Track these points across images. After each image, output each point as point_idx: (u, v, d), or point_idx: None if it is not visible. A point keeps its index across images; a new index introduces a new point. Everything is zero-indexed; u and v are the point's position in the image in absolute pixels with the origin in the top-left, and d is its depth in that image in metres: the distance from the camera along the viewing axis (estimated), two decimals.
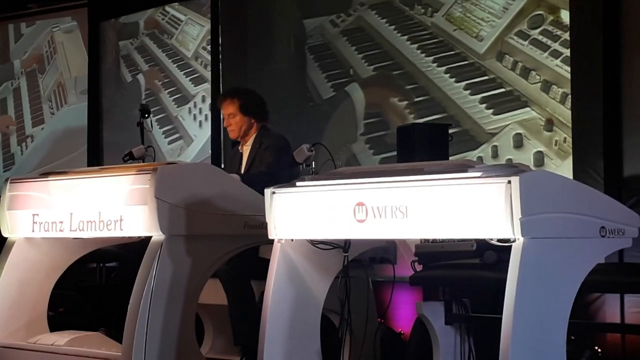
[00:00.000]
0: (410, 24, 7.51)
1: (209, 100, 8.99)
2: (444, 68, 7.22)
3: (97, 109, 10.08)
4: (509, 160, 6.67)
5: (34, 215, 4.83)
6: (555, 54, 6.52)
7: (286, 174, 5.33)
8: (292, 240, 4.02)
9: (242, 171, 5.72)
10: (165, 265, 4.34)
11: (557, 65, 6.52)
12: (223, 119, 5.91)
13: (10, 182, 5.00)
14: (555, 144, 6.50)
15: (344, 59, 7.94)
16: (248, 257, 5.02)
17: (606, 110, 6.19)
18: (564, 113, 6.44)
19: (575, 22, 6.42)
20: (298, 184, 3.97)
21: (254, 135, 5.79)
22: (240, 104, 5.75)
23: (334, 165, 5.36)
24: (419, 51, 7.41)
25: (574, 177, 6.06)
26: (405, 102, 7.45)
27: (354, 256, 4.18)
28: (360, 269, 4.83)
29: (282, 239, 4.01)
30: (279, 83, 8.37)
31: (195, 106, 9.23)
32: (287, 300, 4.05)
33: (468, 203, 3.43)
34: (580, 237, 3.53)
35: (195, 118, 9.22)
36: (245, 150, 5.82)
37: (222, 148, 8.68)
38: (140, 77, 9.77)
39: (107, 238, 4.78)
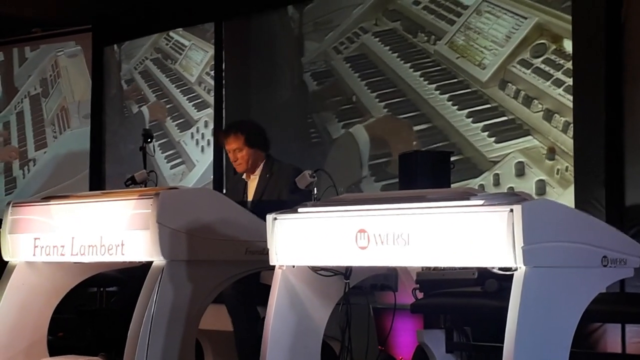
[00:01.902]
0: (413, 51, 7.54)
1: (211, 126, 9.01)
2: (446, 96, 7.24)
3: (100, 133, 10.11)
4: (511, 188, 6.67)
5: (35, 239, 4.83)
6: (558, 83, 6.54)
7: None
8: (294, 266, 4.01)
9: (249, 200, 5.70)
10: (166, 291, 4.33)
11: (559, 94, 6.53)
12: (226, 154, 5.88)
13: (12, 206, 5.00)
14: (557, 173, 6.50)
15: (346, 85, 7.96)
16: (250, 283, 5.01)
17: (608, 139, 6.20)
18: (566, 142, 6.45)
19: (577, 51, 6.44)
20: (300, 210, 3.97)
21: (261, 165, 5.78)
22: (246, 137, 5.73)
23: (336, 191, 5.36)
24: (421, 79, 7.43)
25: (576, 206, 6.06)
26: (407, 129, 7.46)
27: (355, 283, 4.17)
28: (361, 296, 4.82)
29: (283, 265, 4.01)
30: (281, 108, 8.39)
31: (197, 131, 9.25)
32: (288, 326, 4.04)
33: (470, 231, 3.43)
34: (582, 267, 3.52)
35: (197, 143, 9.24)
36: (252, 179, 5.78)
37: (224, 173, 8.69)
38: (145, 109, 9.79)
39: (108, 262, 4.77)
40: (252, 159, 5.76)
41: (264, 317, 4.09)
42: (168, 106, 9.56)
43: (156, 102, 9.70)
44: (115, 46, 10.11)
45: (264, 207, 5.10)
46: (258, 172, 5.78)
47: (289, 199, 5.50)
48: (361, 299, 4.80)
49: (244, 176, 5.85)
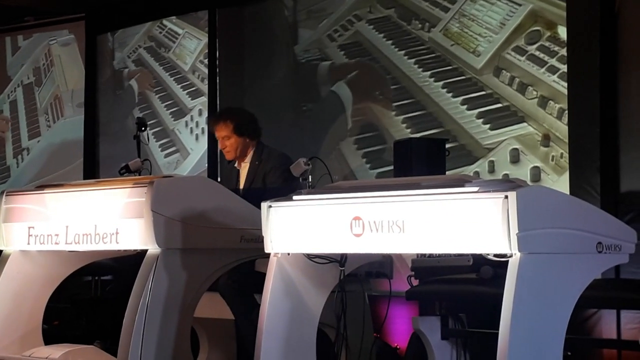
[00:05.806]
0: (407, 38, 7.52)
1: (205, 114, 8.99)
2: (441, 83, 7.23)
3: (94, 121, 10.08)
4: (506, 175, 6.66)
5: (29, 227, 4.83)
6: (552, 70, 6.53)
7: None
8: (289, 254, 4.01)
9: (241, 188, 5.71)
10: (161, 279, 4.33)
11: (554, 81, 6.52)
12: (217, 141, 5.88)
13: (6, 195, 5.00)
14: (552, 160, 6.50)
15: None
16: (245, 270, 5.01)
17: (603, 126, 6.19)
18: (561, 128, 6.45)
19: (572, 38, 6.43)
20: (295, 197, 3.97)
21: (251, 153, 5.78)
22: (234, 125, 5.72)
23: (331, 179, 5.35)
24: (416, 66, 7.41)
25: (571, 193, 6.06)
26: (402, 117, 7.45)
27: (350, 270, 4.17)
28: (356, 283, 4.82)
29: (278, 253, 4.01)
30: (275, 96, 8.37)
31: (192, 120, 9.23)
32: (283, 314, 4.04)
33: (465, 218, 3.43)
34: (577, 253, 3.53)
35: (191, 131, 9.22)
36: (243, 167, 5.80)
37: (218, 161, 8.67)
38: (133, 82, 9.78)
39: (102, 251, 4.77)
40: (240, 147, 5.75)
41: (259, 305, 4.09)
42: (162, 94, 9.53)
43: (141, 71, 9.68)
44: (108, 34, 10.08)
45: (253, 194, 5.11)
46: (248, 159, 5.78)
47: (274, 185, 5.52)
48: (356, 287, 4.80)
49: (235, 164, 5.84)
